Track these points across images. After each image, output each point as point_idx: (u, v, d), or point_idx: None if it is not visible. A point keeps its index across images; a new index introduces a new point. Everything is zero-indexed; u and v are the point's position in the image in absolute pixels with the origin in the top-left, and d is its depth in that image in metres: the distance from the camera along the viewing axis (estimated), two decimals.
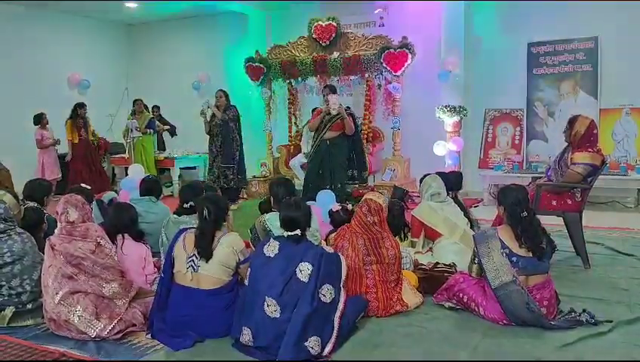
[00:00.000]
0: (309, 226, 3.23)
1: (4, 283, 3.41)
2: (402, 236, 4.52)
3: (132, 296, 3.39)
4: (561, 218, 4.58)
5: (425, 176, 4.63)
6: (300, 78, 7.59)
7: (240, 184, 7.63)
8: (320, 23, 7.12)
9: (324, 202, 4.92)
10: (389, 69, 6.79)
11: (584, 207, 4.58)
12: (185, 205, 4.20)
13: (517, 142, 8.04)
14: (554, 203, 4.52)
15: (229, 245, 3.21)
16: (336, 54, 7.05)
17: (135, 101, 9.04)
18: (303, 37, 7.35)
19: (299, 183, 6.56)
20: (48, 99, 9.31)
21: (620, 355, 2.91)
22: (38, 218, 4.05)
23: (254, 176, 7.90)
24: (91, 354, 3.02)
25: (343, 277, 3.11)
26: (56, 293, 3.21)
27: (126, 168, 8.19)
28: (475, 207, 6.71)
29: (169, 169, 9.06)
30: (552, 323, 3.23)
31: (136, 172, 6.49)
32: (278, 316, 2.93)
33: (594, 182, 4.49)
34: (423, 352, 2.98)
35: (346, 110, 6.59)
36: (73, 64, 10.45)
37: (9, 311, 3.39)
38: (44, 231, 4.01)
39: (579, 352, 2.94)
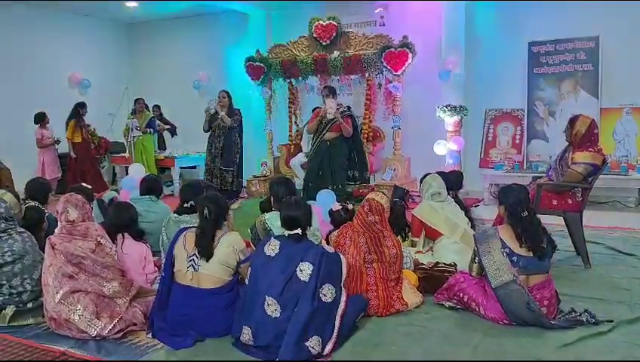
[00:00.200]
0: (310, 225, 3.23)
1: (4, 282, 3.41)
2: (403, 236, 4.52)
3: (132, 295, 3.39)
4: (561, 217, 4.58)
5: (425, 175, 4.63)
6: (300, 78, 7.56)
7: (238, 188, 7.68)
8: (320, 22, 7.10)
9: (325, 202, 4.91)
10: (389, 68, 6.77)
11: (585, 206, 4.58)
12: (185, 204, 4.21)
13: (517, 141, 8.03)
14: (554, 202, 4.52)
15: (229, 244, 3.21)
16: (336, 53, 7.03)
17: (136, 100, 9.04)
18: (304, 36, 7.33)
19: (299, 183, 6.55)
20: (49, 99, 9.30)
21: (620, 355, 2.91)
22: (38, 217, 4.06)
23: (254, 176, 7.90)
24: (92, 353, 3.03)
25: (344, 277, 3.11)
26: (57, 292, 3.22)
27: (126, 167, 8.19)
28: (476, 206, 6.69)
29: (169, 168, 9.07)
30: (553, 322, 3.23)
31: (137, 171, 6.49)
32: (279, 315, 2.93)
33: (595, 182, 4.48)
34: (424, 352, 2.98)
35: (346, 110, 6.58)
36: (73, 63, 10.44)
37: (10, 310, 3.40)
38: (44, 230, 4.02)
39: (579, 352, 2.94)
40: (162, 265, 3.52)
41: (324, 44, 7.12)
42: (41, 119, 8.64)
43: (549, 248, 3.35)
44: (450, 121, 7.76)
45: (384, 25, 8.58)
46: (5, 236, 3.47)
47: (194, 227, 3.31)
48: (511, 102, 8.08)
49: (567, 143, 4.61)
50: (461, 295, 3.49)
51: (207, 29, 10.49)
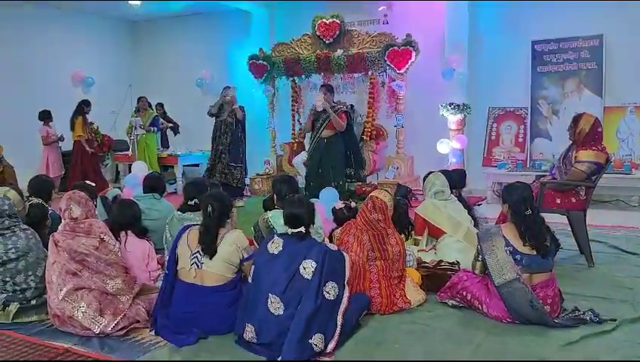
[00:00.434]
0: (313, 223, 3.23)
1: (8, 279, 3.42)
2: (406, 234, 4.52)
3: (136, 292, 3.39)
4: (565, 216, 4.57)
5: (428, 173, 4.63)
6: (303, 76, 7.57)
7: (244, 184, 7.71)
8: (324, 20, 7.10)
9: (328, 200, 4.92)
10: (392, 66, 6.77)
11: (588, 205, 4.57)
12: (189, 202, 4.21)
13: (521, 140, 8.01)
14: (558, 201, 4.51)
15: (232, 242, 3.22)
16: (339, 52, 7.03)
17: (139, 98, 9.06)
18: (307, 34, 7.33)
19: (302, 181, 6.56)
20: (52, 97, 9.32)
21: (623, 354, 2.90)
22: (42, 214, 4.07)
23: (258, 174, 7.90)
24: (95, 350, 3.03)
25: (347, 275, 3.11)
26: (61, 289, 3.23)
27: (130, 165, 8.20)
28: (479, 205, 6.68)
29: (172, 166, 9.08)
30: (556, 321, 3.23)
31: (140, 169, 6.50)
32: (282, 313, 2.93)
33: (598, 181, 4.47)
34: (426, 350, 2.98)
35: (349, 108, 6.59)
36: (77, 62, 10.45)
37: (13, 307, 3.41)
38: (48, 227, 4.02)
39: (583, 351, 2.93)
40: (165, 263, 3.52)
41: (327, 42, 7.12)
42: (45, 117, 8.66)
43: (552, 246, 3.34)
44: (453, 119, 7.75)
45: (387, 23, 8.56)
46: (9, 233, 3.47)
47: (197, 225, 3.32)
48: (514, 101, 8.06)
49: (571, 142, 4.60)
50: (464, 293, 3.48)
51: (211, 27, 10.49)
